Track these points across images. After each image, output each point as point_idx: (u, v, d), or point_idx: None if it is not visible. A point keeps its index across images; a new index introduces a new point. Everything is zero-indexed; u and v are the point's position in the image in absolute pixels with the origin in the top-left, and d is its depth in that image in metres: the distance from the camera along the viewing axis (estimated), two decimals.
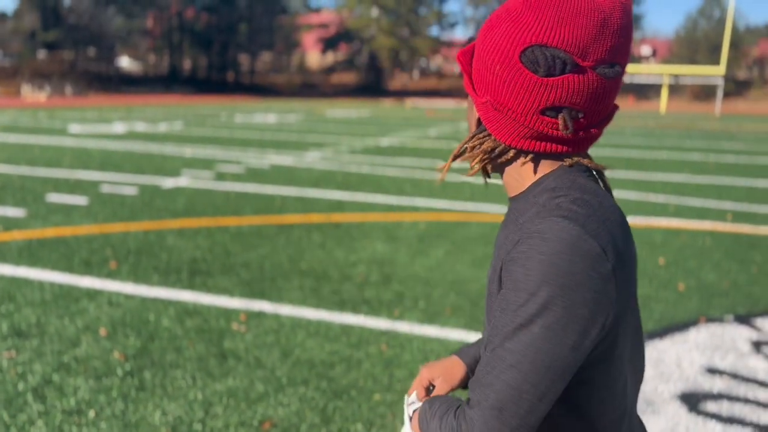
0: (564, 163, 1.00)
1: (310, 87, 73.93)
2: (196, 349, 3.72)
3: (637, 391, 1.07)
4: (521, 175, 1.03)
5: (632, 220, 7.63)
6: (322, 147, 15.34)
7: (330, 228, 6.84)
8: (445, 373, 1.27)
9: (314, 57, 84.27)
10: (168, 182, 9.54)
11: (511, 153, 1.02)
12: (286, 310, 4.39)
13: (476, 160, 1.03)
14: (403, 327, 4.15)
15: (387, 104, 49.30)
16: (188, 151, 13.74)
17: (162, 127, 20.02)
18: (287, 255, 5.72)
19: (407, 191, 9.28)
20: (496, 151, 1.02)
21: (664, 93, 46.37)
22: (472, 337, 4.02)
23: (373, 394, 3.24)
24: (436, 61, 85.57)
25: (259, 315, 4.28)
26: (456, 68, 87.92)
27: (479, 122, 1.05)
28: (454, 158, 1.07)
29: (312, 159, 12.89)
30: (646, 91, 67.10)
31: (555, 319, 0.87)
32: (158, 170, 10.78)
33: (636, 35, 79.22)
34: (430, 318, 4.32)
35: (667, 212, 8.21)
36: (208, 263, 5.42)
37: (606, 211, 0.95)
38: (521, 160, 1.02)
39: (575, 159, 1.01)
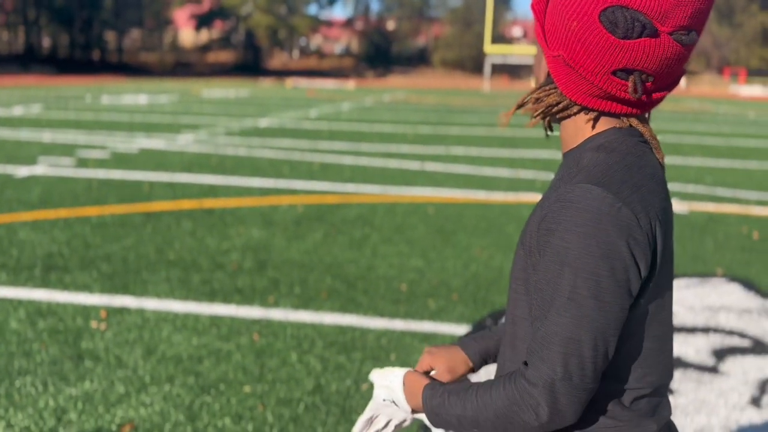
0: (619, 125, 1.02)
1: (184, 66, 70.79)
2: (48, 352, 3.44)
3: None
4: (576, 132, 1.04)
5: (504, 196, 7.94)
6: (197, 129, 14.74)
7: (202, 215, 6.58)
8: (449, 364, 1.24)
9: (188, 34, 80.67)
10: (22, 171, 8.78)
11: (575, 109, 1.03)
12: (151, 304, 4.16)
13: (538, 112, 1.04)
14: (277, 314, 4.06)
15: (266, 84, 48.23)
16: (46, 136, 12.72)
17: (17, 111, 18.40)
18: (154, 245, 5.43)
19: (285, 174, 9.12)
20: (560, 105, 1.03)
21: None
22: (347, 319, 4.01)
23: (243, 387, 3.14)
24: (316, 41, 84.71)
25: (122, 311, 4.03)
26: (336, 48, 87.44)
27: (548, 75, 1.05)
28: (518, 107, 1.07)
29: (185, 142, 12.34)
30: (518, 71, 70.16)
31: (601, 288, 0.92)
32: (11, 158, 9.89)
33: (507, 16, 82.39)
34: (304, 303, 4.26)
35: (534, 188, 8.62)
36: (65, 258, 5.03)
37: (644, 175, 0.98)
38: (581, 117, 1.03)
39: (631, 120, 1.03)
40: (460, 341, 1.29)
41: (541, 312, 0.97)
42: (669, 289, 1.04)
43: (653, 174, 1.01)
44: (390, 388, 1.16)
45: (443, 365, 1.24)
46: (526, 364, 1.00)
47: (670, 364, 1.09)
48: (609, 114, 1.03)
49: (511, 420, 0.99)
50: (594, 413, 1.03)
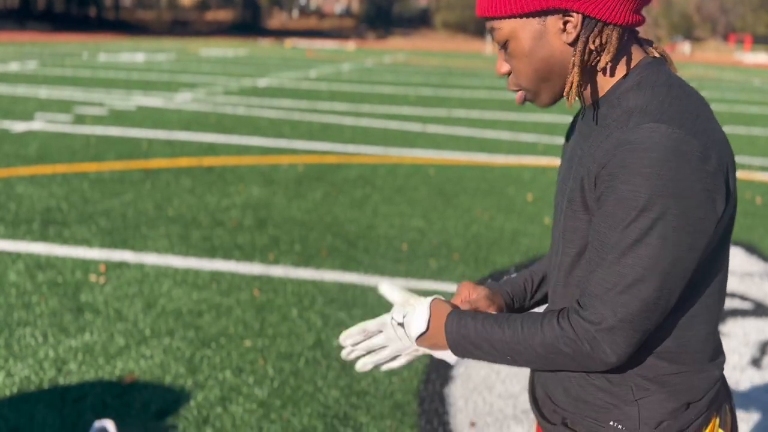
0: (643, 58, 1.00)
1: (182, 24, 69.69)
2: (48, 304, 3.43)
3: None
4: (604, 75, 1.00)
5: (505, 159, 7.88)
6: (195, 88, 14.56)
7: (201, 172, 6.52)
8: (489, 296, 1.19)
9: None
10: (19, 126, 8.67)
11: (613, 36, 0.97)
12: (150, 259, 4.13)
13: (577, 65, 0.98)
14: (277, 271, 4.04)
15: (265, 44, 47.58)
16: (43, 92, 12.56)
17: (12, 67, 18.14)
18: (153, 201, 5.39)
19: (285, 133, 9.03)
20: (603, 37, 0.97)
21: None
22: (348, 277, 3.99)
23: (243, 341, 3.13)
24: (316, 0, 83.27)
25: (121, 265, 4.00)
26: (336, 8, 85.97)
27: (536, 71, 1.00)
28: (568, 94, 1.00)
29: (183, 100, 12.20)
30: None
31: (671, 228, 0.89)
32: (7, 113, 9.77)
33: None
34: (305, 261, 4.24)
35: (536, 151, 8.55)
36: (64, 212, 4.99)
37: (696, 102, 0.95)
38: (606, 59, 0.97)
39: (649, 50, 1.00)
40: (487, 284, 1.25)
41: (603, 256, 0.94)
42: (732, 223, 1.01)
43: (700, 99, 0.98)
44: (411, 305, 1.08)
45: (484, 297, 1.18)
46: (579, 304, 0.97)
47: (718, 317, 1.06)
48: (633, 44, 1.00)
49: (559, 351, 0.97)
50: (662, 359, 1.00)
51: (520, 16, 0.96)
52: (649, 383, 1.01)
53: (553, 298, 1.11)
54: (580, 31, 0.96)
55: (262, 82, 16.62)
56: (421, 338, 1.06)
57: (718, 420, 1.05)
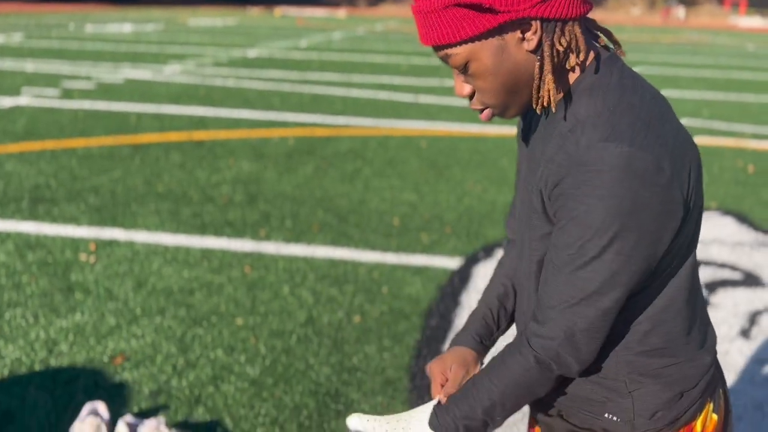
0: (594, 52, 0.97)
1: None
2: (38, 284, 3.41)
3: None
4: (569, 74, 0.96)
5: (499, 130, 7.83)
6: (184, 59, 14.36)
7: (191, 147, 6.46)
8: (457, 360, 1.16)
9: None
10: (5, 101, 8.55)
11: (576, 32, 0.93)
12: (140, 236, 4.11)
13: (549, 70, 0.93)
14: (269, 248, 4.03)
15: (254, 12, 46.86)
16: (29, 66, 12.36)
17: None
18: (142, 177, 5.34)
19: (275, 105, 8.94)
20: (567, 35, 0.93)
21: None
22: (339, 253, 3.98)
23: (235, 319, 3.13)
24: None
25: (111, 244, 3.98)
26: None
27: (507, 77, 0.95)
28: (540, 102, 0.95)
29: (172, 72, 12.03)
30: None
31: (628, 245, 0.89)
32: None
33: None
34: (296, 237, 4.22)
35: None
36: (53, 190, 4.95)
37: (648, 104, 0.92)
38: (578, 53, 0.94)
39: (601, 40, 0.98)
40: (453, 340, 1.22)
41: (559, 269, 0.93)
42: (700, 218, 1.01)
43: (653, 96, 0.94)
44: (403, 422, 1.05)
45: (451, 361, 1.15)
46: (536, 320, 0.97)
47: (697, 300, 1.06)
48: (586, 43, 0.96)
49: (534, 380, 0.98)
50: (652, 356, 1.00)
51: (477, 39, 0.91)
52: (643, 377, 1.01)
53: (520, 302, 1.11)
54: (541, 36, 0.92)
55: (252, 53, 16.40)
56: None
57: (711, 405, 1.06)
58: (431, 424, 1.03)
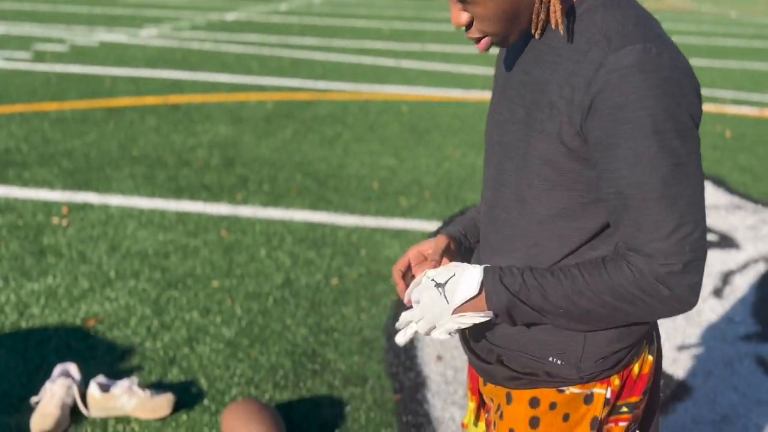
0: None
1: None
2: (9, 248, 3.35)
3: None
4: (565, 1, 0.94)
5: (480, 95, 7.78)
6: (160, 22, 14.03)
7: (166, 111, 6.34)
8: (435, 245, 1.11)
9: None
10: None
11: None
12: (115, 200, 4.04)
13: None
14: (246, 211, 3.99)
15: None
16: (0, 28, 12.00)
17: None
18: (117, 141, 5.24)
19: (254, 70, 8.78)
20: None
21: None
22: (317, 217, 3.95)
23: (210, 282, 3.11)
24: None
25: (84, 207, 3.91)
26: None
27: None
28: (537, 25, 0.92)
29: (148, 35, 11.76)
30: None
31: (694, 142, 0.89)
32: None
33: None
34: (274, 200, 4.18)
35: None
36: (24, 154, 4.84)
37: (655, 21, 0.93)
38: None
39: None
40: (436, 231, 1.21)
41: (643, 197, 0.88)
42: None
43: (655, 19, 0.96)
44: (455, 268, 0.99)
45: (430, 247, 1.11)
46: (637, 252, 0.91)
47: None
48: None
49: (634, 298, 0.91)
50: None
51: None
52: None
53: (495, 238, 1.06)
54: None
55: (230, 16, 16.07)
56: (465, 305, 0.97)
57: (648, 348, 1.08)
58: (490, 272, 0.97)
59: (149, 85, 7.50)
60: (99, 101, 6.61)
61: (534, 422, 1.04)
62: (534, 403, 1.04)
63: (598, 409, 1.03)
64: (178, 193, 4.20)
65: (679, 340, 2.80)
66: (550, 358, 1.01)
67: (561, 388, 1.02)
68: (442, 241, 1.13)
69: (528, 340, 1.02)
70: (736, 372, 2.59)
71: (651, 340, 1.08)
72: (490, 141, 1.07)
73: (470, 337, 1.10)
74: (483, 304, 0.97)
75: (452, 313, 0.97)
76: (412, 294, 1.02)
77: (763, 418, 2.35)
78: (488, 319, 0.98)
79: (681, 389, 2.48)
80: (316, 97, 7.28)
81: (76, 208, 3.89)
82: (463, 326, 0.98)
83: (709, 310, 3.04)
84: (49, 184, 4.25)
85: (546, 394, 1.03)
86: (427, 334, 1.00)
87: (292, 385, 2.40)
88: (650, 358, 1.07)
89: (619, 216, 0.91)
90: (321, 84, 7.98)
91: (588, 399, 1.02)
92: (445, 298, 0.97)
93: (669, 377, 2.55)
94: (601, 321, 0.95)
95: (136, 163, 4.73)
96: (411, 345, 2.70)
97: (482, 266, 1.00)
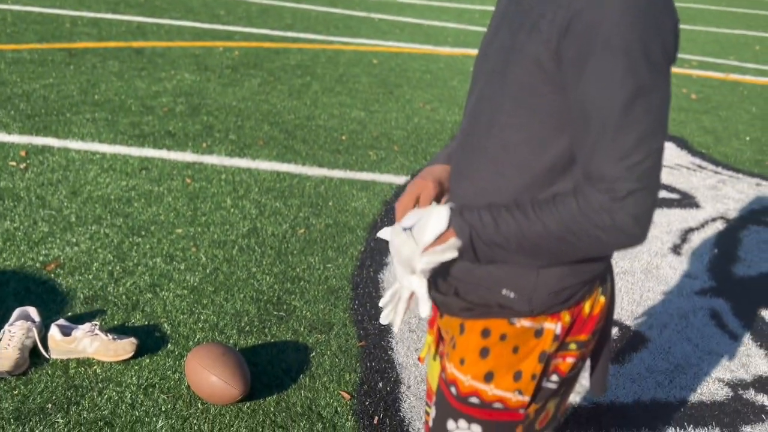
0: None
1: None
2: None
3: None
4: None
5: (451, 50, 7.70)
6: None
7: (130, 55, 6.14)
8: (431, 174, 1.10)
9: None
10: None
11: None
12: (75, 145, 3.93)
13: None
14: (211, 160, 3.92)
15: None
16: None
17: None
18: (78, 85, 5.07)
19: (220, 17, 8.53)
20: None
21: None
22: (285, 167, 3.91)
23: (175, 229, 3.06)
24: None
25: (44, 151, 3.79)
26: None
27: None
28: None
29: None
30: None
31: (662, 77, 0.88)
32: None
33: None
34: (240, 150, 4.11)
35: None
36: None
37: None
38: None
39: None
40: (428, 163, 1.19)
41: (604, 119, 0.88)
42: None
43: None
44: (423, 211, 1.01)
45: (431, 178, 1.11)
46: (588, 179, 0.91)
47: None
48: None
49: (579, 229, 0.91)
50: None
51: None
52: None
53: (464, 164, 1.05)
54: None
55: None
56: (435, 243, 0.98)
57: (601, 288, 1.08)
58: (455, 212, 0.99)
59: (111, 28, 7.23)
60: (59, 44, 6.36)
61: (484, 352, 1.06)
62: (485, 333, 1.05)
63: (547, 344, 1.04)
64: (141, 140, 4.10)
65: (638, 295, 2.88)
66: (503, 291, 1.02)
67: (512, 321, 1.04)
68: (444, 171, 1.13)
69: (483, 273, 1.03)
70: (690, 324, 2.68)
71: (604, 281, 1.09)
72: (475, 72, 1.06)
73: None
74: (452, 240, 0.98)
75: (421, 253, 0.98)
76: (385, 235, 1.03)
77: (713, 366, 2.45)
78: (454, 256, 0.98)
79: (638, 340, 2.55)
80: (284, 46, 7.12)
81: (35, 151, 3.77)
82: (432, 264, 0.99)
83: (667, 266, 3.13)
84: (6, 127, 4.10)
85: (497, 326, 1.05)
86: (410, 287, 1.01)
87: (257, 331, 2.40)
88: (602, 299, 1.09)
89: (580, 140, 0.91)
90: (290, 34, 7.80)
91: (538, 333, 1.04)
92: (414, 240, 0.98)
93: (627, 329, 2.62)
94: (552, 254, 0.96)
95: (97, 108, 4.59)
96: (377, 294, 2.71)
97: (447, 205, 1.00)
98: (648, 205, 0.90)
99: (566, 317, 1.04)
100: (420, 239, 0.98)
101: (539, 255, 0.96)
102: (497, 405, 1.06)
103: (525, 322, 1.04)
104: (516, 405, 1.06)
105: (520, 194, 0.99)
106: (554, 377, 1.08)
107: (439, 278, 1.08)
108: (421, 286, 1.00)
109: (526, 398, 1.06)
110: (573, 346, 1.08)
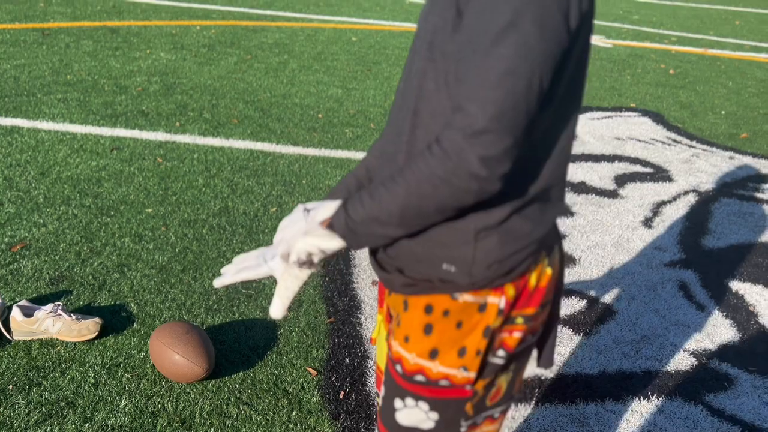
0: None
1: None
2: None
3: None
4: None
5: None
6: None
7: (104, 35, 6.04)
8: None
9: None
10: None
11: None
12: (46, 125, 3.88)
13: None
14: (184, 139, 3.88)
15: None
16: None
17: None
18: (50, 65, 4.99)
19: None
20: None
21: None
22: (259, 146, 3.88)
23: (145, 209, 3.04)
24: None
25: (12, 131, 3.74)
26: None
27: None
28: None
29: None
30: None
31: (545, 13, 0.82)
32: None
33: None
34: (214, 129, 4.08)
35: None
36: None
37: None
38: None
39: None
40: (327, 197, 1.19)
41: (472, 51, 0.84)
42: (583, 87, 0.96)
43: None
44: (330, 201, 1.03)
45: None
46: (453, 114, 0.88)
47: (565, 172, 1.04)
48: None
49: (431, 177, 0.88)
50: (507, 204, 0.98)
51: None
52: (492, 229, 1.00)
53: (389, 146, 1.05)
54: None
55: None
56: (318, 228, 0.99)
57: (547, 260, 1.06)
58: (334, 219, 0.98)
59: (85, 7, 7.11)
60: (32, 23, 6.24)
61: (428, 329, 1.05)
62: (428, 309, 1.04)
63: (491, 318, 1.03)
64: (113, 120, 4.05)
65: (607, 267, 2.89)
66: (444, 265, 1.01)
67: (455, 296, 1.03)
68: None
69: (423, 249, 1.02)
70: (658, 296, 2.71)
71: (550, 251, 1.07)
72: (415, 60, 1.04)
73: (374, 249, 1.10)
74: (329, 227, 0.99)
75: (304, 233, 0.99)
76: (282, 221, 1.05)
77: (679, 337, 2.47)
78: (338, 245, 0.99)
79: (605, 312, 2.58)
80: (261, 24, 7.04)
81: (3, 132, 3.72)
82: (309, 246, 0.99)
83: (638, 239, 3.14)
84: None
85: (440, 301, 1.04)
86: (270, 270, 1.02)
87: (225, 309, 2.40)
88: (549, 270, 1.07)
89: (459, 73, 0.89)
90: (268, 12, 7.71)
91: (482, 308, 1.03)
92: (305, 221, 1.00)
93: (595, 300, 2.64)
94: (421, 215, 0.92)
95: (69, 89, 4.52)
96: (347, 271, 2.71)
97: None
98: (498, 151, 0.85)
99: (510, 290, 1.03)
100: (311, 221, 1.00)
101: (412, 218, 0.94)
102: (443, 382, 1.05)
103: (468, 297, 1.02)
104: (462, 381, 1.05)
105: None
106: (501, 352, 1.06)
107: (382, 255, 1.08)
108: (280, 273, 1.00)
109: (472, 374, 1.04)
110: (520, 320, 1.06)
